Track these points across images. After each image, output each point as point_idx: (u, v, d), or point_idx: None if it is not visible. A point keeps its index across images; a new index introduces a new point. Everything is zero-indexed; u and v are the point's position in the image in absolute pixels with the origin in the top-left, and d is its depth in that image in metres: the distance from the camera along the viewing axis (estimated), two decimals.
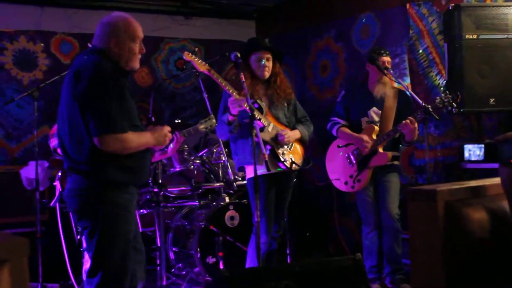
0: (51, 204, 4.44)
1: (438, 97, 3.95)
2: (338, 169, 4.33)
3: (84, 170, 2.70)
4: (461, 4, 4.23)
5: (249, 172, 3.82)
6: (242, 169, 4.01)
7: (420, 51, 4.97)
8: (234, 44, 6.32)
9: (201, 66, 3.71)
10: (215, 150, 4.73)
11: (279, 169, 3.82)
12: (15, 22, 5.61)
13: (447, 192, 2.40)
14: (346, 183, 4.27)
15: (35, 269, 4.23)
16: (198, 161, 4.67)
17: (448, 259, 2.29)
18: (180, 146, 4.40)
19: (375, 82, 4.25)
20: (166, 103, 6.30)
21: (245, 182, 4.33)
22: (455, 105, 3.87)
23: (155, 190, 4.31)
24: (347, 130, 4.28)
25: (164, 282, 4.20)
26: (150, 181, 4.28)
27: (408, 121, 3.94)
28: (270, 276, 2.40)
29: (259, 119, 3.77)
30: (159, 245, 4.22)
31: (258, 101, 3.85)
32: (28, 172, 4.74)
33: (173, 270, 4.54)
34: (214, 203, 4.46)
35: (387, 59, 4.20)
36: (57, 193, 4.37)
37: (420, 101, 3.92)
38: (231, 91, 3.68)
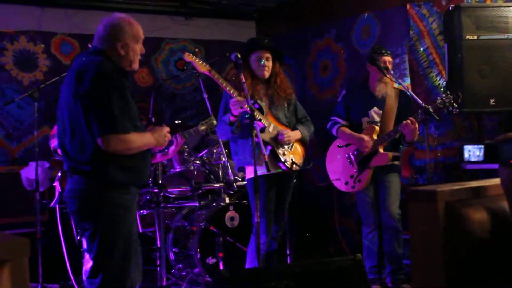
0: (51, 204, 4.44)
1: (439, 98, 3.95)
2: (339, 169, 4.33)
3: (85, 170, 2.71)
4: (461, 5, 4.23)
5: (249, 173, 3.82)
6: (242, 169, 4.01)
7: (421, 52, 4.98)
8: (234, 44, 6.33)
9: (202, 66, 3.71)
10: (215, 151, 4.73)
11: (280, 169, 3.83)
12: (15, 22, 5.61)
13: (447, 193, 2.40)
14: (346, 183, 4.27)
15: (35, 270, 4.23)
16: (198, 162, 4.67)
17: (448, 259, 2.29)
18: (181, 147, 4.41)
19: (376, 82, 4.25)
20: (166, 103, 6.30)
21: (245, 182, 4.33)
22: (456, 105, 3.87)
23: (155, 190, 4.31)
24: (348, 130, 4.27)
25: (164, 283, 4.20)
26: (150, 181, 4.28)
27: (409, 121, 3.93)
28: (270, 277, 2.40)
29: (260, 120, 3.77)
30: (159, 245, 4.23)
31: (259, 101, 3.85)
32: (28, 172, 4.74)
33: (173, 270, 4.54)
34: (214, 204, 4.46)
35: (388, 58, 4.19)
36: (57, 194, 4.37)
37: (420, 102, 3.92)
38: (231, 91, 3.68)
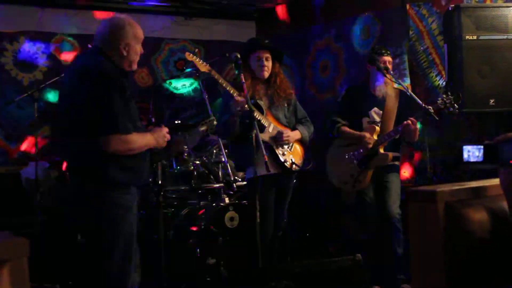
0: (51, 204, 4.44)
1: (440, 98, 3.94)
2: (339, 169, 4.32)
3: (85, 170, 2.71)
4: (461, 5, 4.23)
5: (249, 173, 3.82)
6: (242, 169, 4.00)
7: (420, 52, 4.98)
8: (234, 44, 6.33)
9: (202, 66, 3.72)
10: (215, 151, 4.73)
11: (279, 170, 3.83)
12: (15, 23, 5.61)
13: (447, 193, 2.40)
14: (346, 183, 4.26)
15: (35, 270, 4.23)
16: (198, 162, 4.67)
17: (448, 259, 2.29)
18: (181, 146, 4.41)
19: (376, 82, 4.24)
20: (166, 103, 6.30)
21: (245, 182, 4.33)
22: (457, 106, 3.87)
23: (155, 190, 4.30)
24: (348, 129, 4.26)
25: (164, 283, 4.19)
26: (150, 181, 4.28)
27: (409, 121, 3.92)
28: (270, 277, 2.40)
29: (260, 120, 3.77)
30: (158, 246, 4.22)
31: (259, 101, 3.85)
32: (28, 172, 4.74)
33: (172, 271, 4.53)
34: (214, 204, 4.46)
35: (388, 58, 4.18)
36: (57, 194, 4.37)
37: (420, 102, 3.92)
38: (232, 91, 3.68)
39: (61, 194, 4.57)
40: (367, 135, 4.13)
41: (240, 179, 4.53)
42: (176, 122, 5.17)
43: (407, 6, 5.02)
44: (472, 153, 4.17)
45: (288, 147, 3.90)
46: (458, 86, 4.14)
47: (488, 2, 4.57)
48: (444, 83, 4.67)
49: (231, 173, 4.50)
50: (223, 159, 4.60)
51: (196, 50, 3.96)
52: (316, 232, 5.60)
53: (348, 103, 4.34)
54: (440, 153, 4.78)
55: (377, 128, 4.18)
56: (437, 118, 3.84)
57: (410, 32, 5.01)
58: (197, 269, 4.22)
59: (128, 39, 2.81)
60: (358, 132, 4.19)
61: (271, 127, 3.85)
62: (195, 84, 6.44)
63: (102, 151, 2.63)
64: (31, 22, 5.69)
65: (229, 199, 4.50)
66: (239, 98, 3.60)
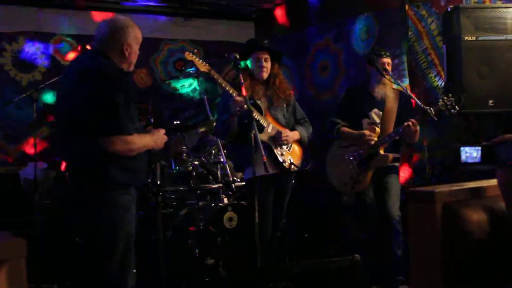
0: (50, 205, 4.44)
1: (440, 100, 3.93)
2: (338, 170, 4.31)
3: (85, 170, 2.71)
4: (460, 6, 4.23)
5: (248, 173, 3.82)
6: (240, 170, 4.00)
7: (419, 52, 4.98)
8: (233, 45, 6.33)
9: (202, 66, 3.73)
10: (213, 151, 4.73)
11: (278, 170, 3.83)
12: (14, 23, 5.61)
13: (446, 193, 2.40)
14: (346, 184, 4.25)
15: (33, 270, 4.22)
16: (196, 162, 4.67)
17: (446, 260, 2.29)
18: (180, 147, 4.41)
19: (375, 83, 4.24)
20: (165, 104, 6.30)
21: (243, 183, 4.32)
22: (458, 108, 3.86)
23: (154, 190, 4.30)
24: (348, 129, 4.25)
25: (163, 284, 4.19)
26: (148, 181, 4.28)
27: (410, 123, 3.92)
28: (269, 277, 2.40)
29: (259, 120, 3.77)
30: (157, 246, 4.22)
31: (258, 101, 3.85)
32: (27, 173, 4.74)
33: (171, 271, 4.53)
34: (212, 204, 4.46)
35: (387, 60, 4.17)
36: (56, 194, 4.37)
37: (420, 103, 3.92)
38: (231, 91, 3.68)
39: (60, 194, 4.57)
40: (367, 132, 4.12)
41: (238, 180, 4.53)
42: (175, 122, 5.18)
43: (406, 7, 5.02)
44: (470, 154, 4.17)
45: (286, 148, 3.91)
46: (457, 87, 4.14)
47: (487, 3, 4.58)
48: (443, 83, 4.67)
49: (230, 174, 4.50)
50: (222, 160, 4.60)
51: (196, 50, 3.96)
52: (314, 233, 5.60)
53: (348, 104, 4.33)
54: (438, 154, 4.78)
55: (377, 129, 4.18)
56: (436, 119, 3.84)
57: (409, 33, 5.01)
58: (195, 269, 4.22)
59: (129, 40, 2.82)
60: (357, 132, 4.18)
61: (270, 127, 3.85)
62: (194, 85, 6.44)
63: (102, 151, 2.63)
64: (30, 22, 5.70)
65: (227, 200, 4.50)
66: (238, 98, 3.60)
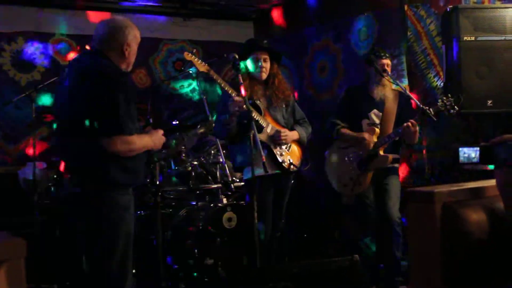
0: (49, 204, 4.44)
1: (440, 100, 3.94)
2: (338, 171, 4.31)
3: (85, 170, 2.71)
4: (459, 6, 4.23)
5: (247, 173, 3.82)
6: (240, 170, 4.00)
7: (418, 53, 4.98)
8: (232, 45, 6.33)
9: (201, 66, 3.73)
10: (213, 152, 4.73)
11: (277, 170, 3.83)
12: (13, 23, 5.61)
13: (445, 193, 2.41)
14: (346, 185, 4.24)
15: (32, 270, 4.22)
16: (196, 163, 4.67)
17: (446, 260, 2.30)
18: (179, 148, 4.41)
19: (375, 84, 4.23)
20: (164, 104, 6.30)
21: (242, 183, 4.32)
22: (457, 108, 3.87)
23: (153, 191, 4.30)
24: (348, 131, 4.24)
25: (162, 284, 4.19)
26: (148, 182, 4.28)
27: (409, 123, 3.91)
28: (268, 277, 2.40)
29: (258, 120, 3.77)
30: (156, 246, 4.22)
31: (257, 102, 3.85)
32: (26, 173, 4.74)
33: (171, 271, 4.53)
34: (212, 205, 4.46)
35: (386, 61, 4.16)
36: (55, 194, 4.37)
37: (419, 103, 3.92)
38: (230, 91, 3.68)
39: (59, 194, 4.56)
40: (366, 136, 4.12)
41: (238, 180, 4.53)
42: (174, 122, 5.18)
43: (405, 7, 5.02)
44: (468, 154, 4.17)
45: (286, 148, 3.91)
46: (456, 87, 4.14)
47: (486, 3, 4.58)
48: (442, 84, 4.68)
49: (229, 174, 4.50)
50: (221, 160, 4.60)
51: (195, 50, 3.95)
52: (314, 233, 5.60)
53: (347, 104, 4.32)
54: (438, 154, 4.78)
55: (377, 130, 4.17)
56: (435, 119, 3.84)
57: (408, 33, 5.01)
58: (195, 269, 4.22)
59: (129, 40, 2.83)
60: (357, 134, 4.18)
61: (269, 127, 3.85)
62: (194, 85, 6.44)
63: (102, 151, 2.63)
64: (30, 22, 5.69)
65: (227, 200, 4.50)
66: (237, 99, 3.60)
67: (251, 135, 3.24)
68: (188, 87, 6.46)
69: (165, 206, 4.64)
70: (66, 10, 5.87)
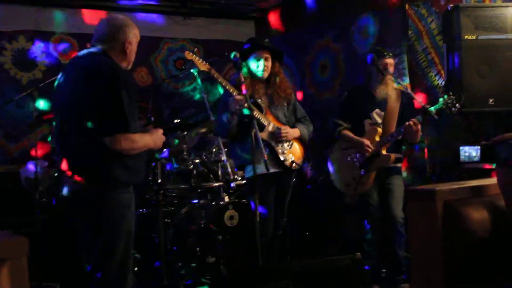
0: (51, 203, 4.44)
1: (441, 99, 3.93)
2: (341, 170, 4.29)
3: (87, 169, 2.71)
4: (460, 5, 4.23)
5: (248, 172, 3.82)
6: (241, 168, 4.00)
7: (419, 52, 4.98)
8: (233, 44, 6.33)
9: (202, 65, 3.73)
10: (214, 150, 4.73)
11: (279, 169, 3.83)
12: (14, 22, 5.61)
13: (447, 192, 2.41)
14: (348, 185, 4.23)
15: (35, 269, 4.23)
16: (197, 161, 4.67)
17: (447, 258, 2.30)
18: (180, 146, 4.41)
19: (377, 84, 4.22)
20: (165, 103, 6.31)
21: (244, 181, 4.33)
22: (458, 106, 3.86)
23: (155, 189, 4.31)
24: (349, 134, 4.22)
25: (164, 282, 4.20)
26: (149, 180, 4.28)
27: (411, 122, 3.91)
28: (270, 276, 2.40)
29: (259, 119, 3.77)
30: (158, 244, 4.22)
31: (258, 100, 3.86)
32: (27, 171, 4.74)
33: (172, 269, 4.53)
34: (213, 203, 4.46)
35: (389, 61, 4.15)
36: (56, 193, 4.37)
37: (420, 102, 3.91)
38: (231, 90, 3.69)
39: (60, 193, 4.56)
40: (366, 141, 4.09)
41: (239, 178, 4.53)
42: (175, 121, 5.18)
43: (406, 6, 5.02)
44: (469, 153, 4.17)
45: (287, 146, 3.91)
46: (457, 86, 4.14)
47: (487, 2, 4.58)
48: (443, 82, 4.68)
49: (230, 172, 4.51)
50: (222, 158, 4.60)
51: (196, 49, 3.96)
52: (316, 231, 5.60)
53: (349, 104, 4.30)
54: (439, 153, 4.78)
55: (379, 130, 4.16)
56: (436, 118, 3.84)
57: (409, 32, 5.01)
58: (196, 267, 4.23)
59: (130, 38, 2.83)
60: (357, 138, 4.15)
61: (271, 126, 3.86)
62: (194, 83, 6.44)
63: (105, 150, 2.63)
64: (30, 21, 5.69)
65: (228, 198, 4.51)
66: (238, 97, 3.61)
67: (253, 134, 3.24)
68: (189, 85, 6.46)
69: (167, 204, 4.64)
70: (67, 9, 5.87)
